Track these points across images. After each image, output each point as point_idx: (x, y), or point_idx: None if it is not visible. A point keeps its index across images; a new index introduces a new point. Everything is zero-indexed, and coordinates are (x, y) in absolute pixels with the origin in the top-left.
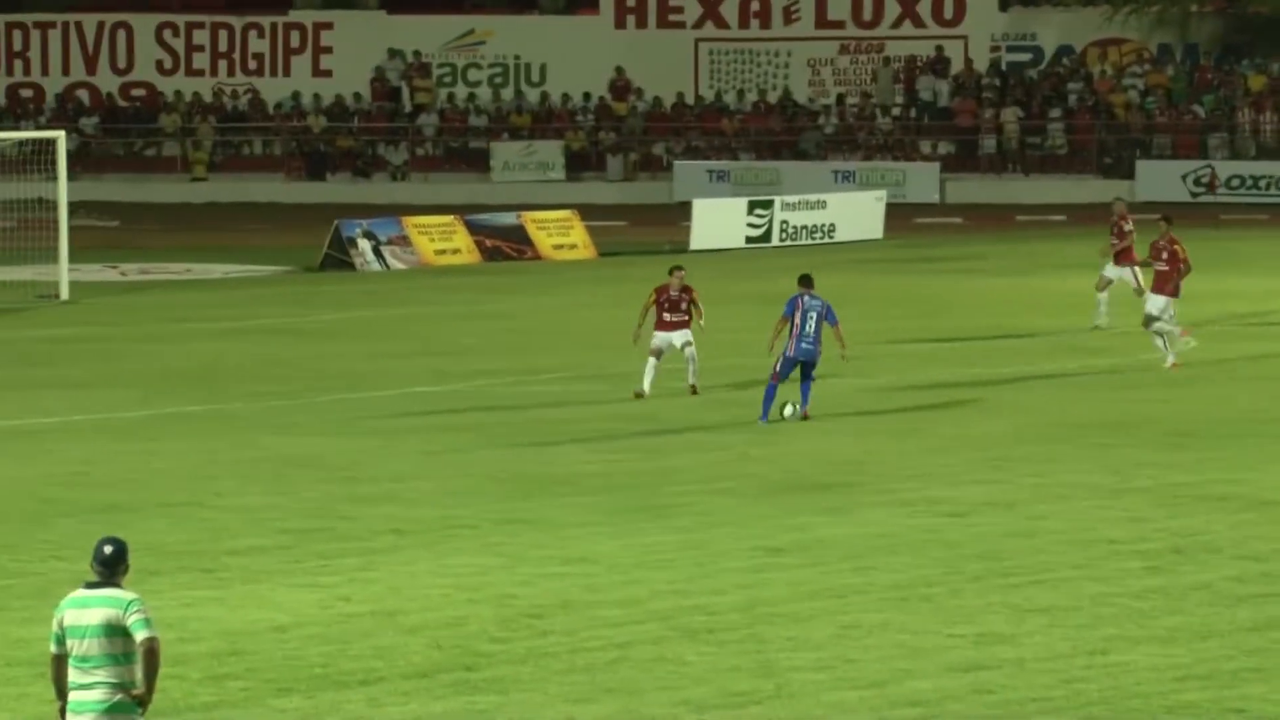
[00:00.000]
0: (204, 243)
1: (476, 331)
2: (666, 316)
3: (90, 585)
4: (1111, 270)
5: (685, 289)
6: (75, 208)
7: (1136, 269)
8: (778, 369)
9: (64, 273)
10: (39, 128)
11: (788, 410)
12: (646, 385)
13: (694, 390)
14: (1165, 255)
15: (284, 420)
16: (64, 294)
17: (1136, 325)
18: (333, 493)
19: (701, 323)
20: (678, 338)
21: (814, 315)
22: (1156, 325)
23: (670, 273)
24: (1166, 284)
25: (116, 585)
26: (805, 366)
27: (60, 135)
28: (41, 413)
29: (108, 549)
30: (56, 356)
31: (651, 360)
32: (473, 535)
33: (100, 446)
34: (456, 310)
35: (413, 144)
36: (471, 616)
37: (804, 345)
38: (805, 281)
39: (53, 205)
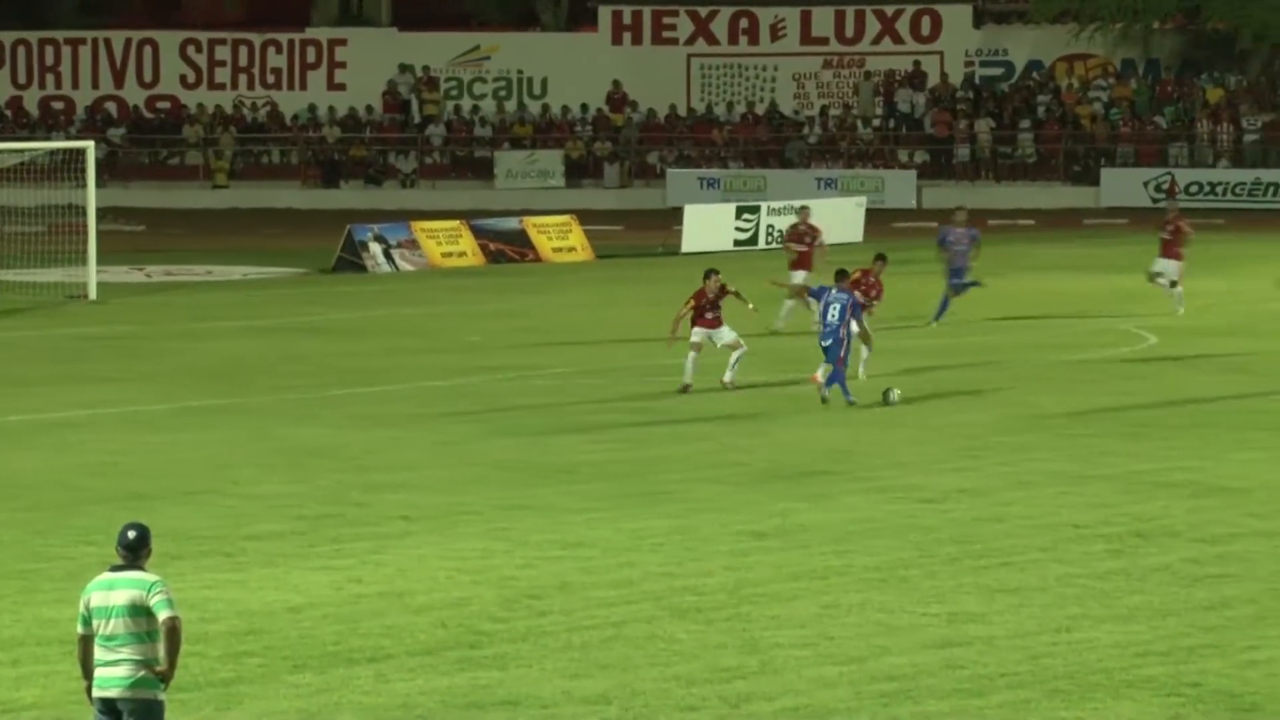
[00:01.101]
0: (225, 246)
1: (481, 329)
2: (707, 315)
3: (115, 569)
4: (799, 276)
5: (722, 288)
6: (103, 213)
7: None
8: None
9: (92, 274)
10: (69, 138)
11: (892, 395)
12: (689, 377)
13: (729, 385)
14: (875, 294)
15: (300, 413)
16: (92, 294)
17: (1102, 319)
18: (346, 481)
19: (751, 306)
20: (720, 335)
21: (837, 307)
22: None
23: (706, 277)
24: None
25: (140, 568)
26: (828, 352)
27: (89, 145)
28: (71, 406)
29: (131, 534)
30: (85, 353)
31: (692, 355)
32: (478, 521)
33: (127, 438)
34: (462, 309)
35: (421, 153)
36: (475, 597)
37: (825, 333)
38: (838, 275)
39: (82, 211)
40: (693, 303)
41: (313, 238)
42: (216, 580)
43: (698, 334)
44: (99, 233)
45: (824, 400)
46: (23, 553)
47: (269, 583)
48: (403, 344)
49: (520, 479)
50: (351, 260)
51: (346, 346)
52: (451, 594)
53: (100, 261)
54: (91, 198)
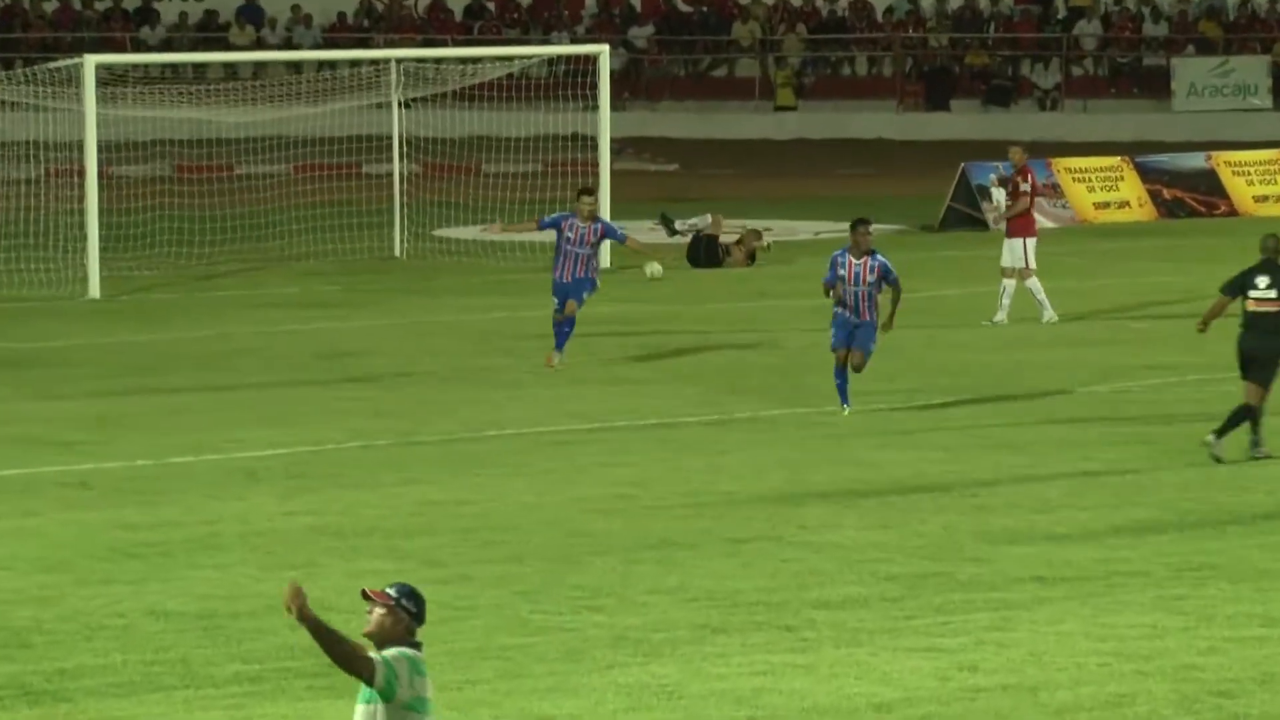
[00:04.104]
0: (789, 192)
1: (1148, 313)
2: None
3: None
4: None
5: None
6: (621, 146)
7: None
8: None
9: None
10: (574, 40)
11: None
12: None
13: None
14: None
15: (887, 428)
16: (604, 260)
17: None
18: (954, 525)
19: None
20: None
21: None
22: None
23: None
24: None
25: None
26: None
27: (602, 50)
28: (572, 418)
29: None
30: (592, 346)
31: None
32: (1142, 584)
33: (650, 460)
34: (1120, 283)
35: (1067, 62)
36: (1141, 693)
37: None
38: None
39: (592, 142)
40: None
41: (913, 181)
42: (773, 664)
43: None
44: (614, 173)
45: None
46: (505, 621)
47: (847, 669)
48: (1034, 334)
49: (1203, 527)
50: (967, 213)
51: (952, 336)
52: (1106, 688)
53: (616, 214)
54: (605, 124)
